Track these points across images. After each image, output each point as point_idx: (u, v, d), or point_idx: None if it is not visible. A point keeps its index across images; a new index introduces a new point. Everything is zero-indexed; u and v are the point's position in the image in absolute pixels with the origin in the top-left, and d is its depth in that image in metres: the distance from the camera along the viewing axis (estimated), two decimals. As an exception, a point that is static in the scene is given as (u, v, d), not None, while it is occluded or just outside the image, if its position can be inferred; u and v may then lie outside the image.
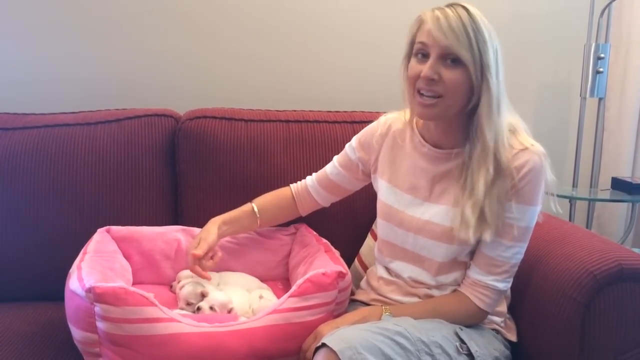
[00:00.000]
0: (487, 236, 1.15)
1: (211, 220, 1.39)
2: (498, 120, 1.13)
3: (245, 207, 1.43)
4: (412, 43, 1.18)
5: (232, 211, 1.42)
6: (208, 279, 1.31)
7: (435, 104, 1.14)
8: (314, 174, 1.47)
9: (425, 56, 1.14)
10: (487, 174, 1.13)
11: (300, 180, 1.49)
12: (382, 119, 1.37)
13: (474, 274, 1.20)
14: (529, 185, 1.14)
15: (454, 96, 1.13)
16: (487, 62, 1.11)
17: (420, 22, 1.17)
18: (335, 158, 1.44)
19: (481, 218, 1.14)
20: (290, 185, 1.48)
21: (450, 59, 1.11)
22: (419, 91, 1.15)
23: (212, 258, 1.35)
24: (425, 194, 1.25)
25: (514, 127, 1.18)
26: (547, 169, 1.16)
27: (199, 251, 1.30)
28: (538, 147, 1.16)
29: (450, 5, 1.13)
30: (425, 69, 1.13)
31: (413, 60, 1.17)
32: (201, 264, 1.31)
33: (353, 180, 1.42)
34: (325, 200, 1.46)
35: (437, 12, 1.12)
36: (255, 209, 1.42)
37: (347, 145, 1.42)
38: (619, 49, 2.08)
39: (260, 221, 1.44)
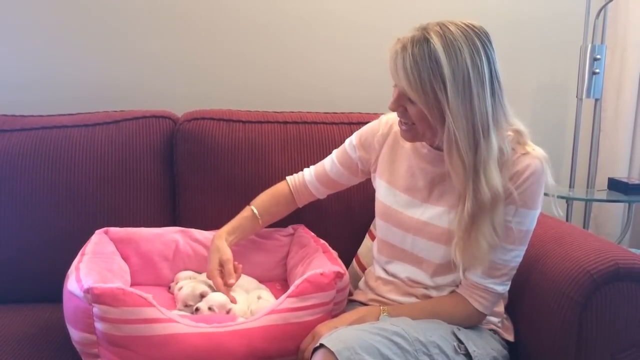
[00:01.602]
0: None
1: (216, 236, 1.37)
2: (467, 154, 1.09)
3: (246, 213, 1.43)
4: None
5: (233, 220, 1.42)
6: (235, 302, 1.31)
7: (408, 129, 1.17)
8: (311, 167, 1.47)
9: (395, 86, 1.15)
10: (463, 211, 1.12)
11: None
12: (384, 118, 1.37)
13: (473, 276, 1.20)
14: (530, 189, 1.14)
15: (422, 126, 1.14)
16: (443, 103, 1.07)
17: None
18: (335, 154, 1.44)
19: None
20: (287, 178, 1.48)
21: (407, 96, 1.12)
22: None
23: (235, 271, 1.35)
24: (423, 195, 1.25)
25: (519, 132, 1.17)
26: (548, 173, 1.16)
27: (234, 279, 1.31)
28: (539, 152, 1.16)
29: (420, 31, 1.09)
30: (390, 102, 1.15)
31: None
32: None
33: (352, 177, 1.43)
34: (322, 193, 1.47)
35: (397, 47, 1.09)
36: (256, 212, 1.42)
37: (346, 142, 1.42)
38: (615, 50, 2.09)
39: (262, 222, 1.44)
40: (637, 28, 2.05)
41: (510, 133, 1.16)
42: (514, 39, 2.02)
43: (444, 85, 1.06)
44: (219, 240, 1.36)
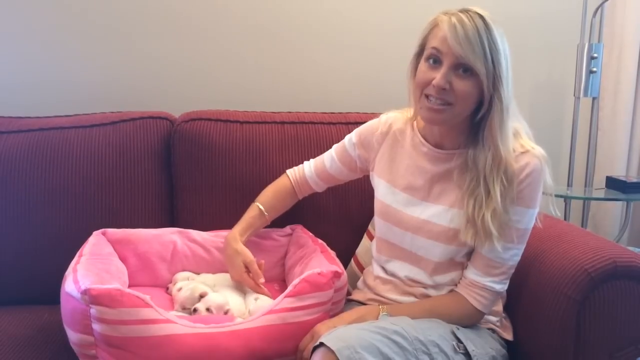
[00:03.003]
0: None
1: (231, 239, 1.38)
2: (508, 129, 1.14)
3: (253, 212, 1.43)
4: (423, 45, 1.17)
5: (242, 220, 1.42)
6: (269, 295, 1.35)
7: (443, 110, 1.14)
8: (311, 160, 1.48)
9: (436, 62, 1.13)
10: (502, 183, 1.14)
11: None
12: (384, 117, 1.37)
13: (472, 274, 1.20)
14: (528, 187, 1.15)
15: (463, 105, 1.14)
16: (500, 73, 1.11)
17: (434, 25, 1.15)
18: (334, 150, 1.44)
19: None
20: (287, 172, 1.49)
21: (463, 68, 1.11)
22: (427, 95, 1.15)
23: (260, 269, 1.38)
24: (423, 194, 1.25)
25: (516, 131, 1.18)
26: (546, 172, 1.16)
27: (263, 278, 1.35)
28: (539, 150, 1.17)
29: (465, 12, 1.12)
30: (438, 77, 1.12)
31: (424, 65, 1.16)
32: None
33: (350, 174, 1.44)
34: (321, 187, 1.49)
35: (454, 20, 1.10)
36: (263, 209, 1.43)
37: (346, 139, 1.42)
38: (612, 48, 2.09)
39: (268, 218, 1.45)
40: (634, 26, 2.05)
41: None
42: (511, 37, 1.97)
43: (499, 56, 1.11)
44: (236, 244, 1.37)
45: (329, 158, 1.44)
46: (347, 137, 1.42)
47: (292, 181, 1.47)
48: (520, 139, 1.18)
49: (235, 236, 1.38)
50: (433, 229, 1.21)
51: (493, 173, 1.14)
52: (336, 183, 1.48)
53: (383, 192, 1.32)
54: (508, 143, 1.14)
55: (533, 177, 1.15)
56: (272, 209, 1.45)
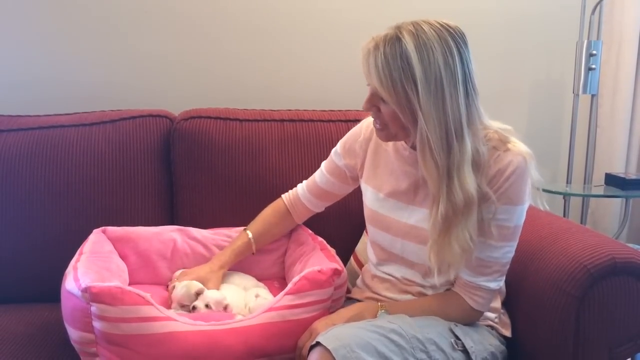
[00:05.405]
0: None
1: (220, 266, 1.40)
2: (440, 156, 1.07)
3: (241, 240, 1.44)
4: None
5: (235, 249, 1.43)
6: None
7: (381, 129, 1.16)
8: (304, 181, 1.47)
9: (369, 85, 1.14)
10: (437, 214, 1.10)
11: (294, 179, 1.51)
12: (365, 123, 1.35)
13: (465, 275, 1.19)
14: (513, 185, 1.12)
15: (394, 128, 1.13)
16: (414, 104, 1.05)
17: None
18: (323, 165, 1.43)
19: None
20: (282, 196, 1.48)
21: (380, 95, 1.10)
22: None
23: None
24: (408, 198, 1.23)
25: (500, 131, 1.14)
26: (531, 168, 1.13)
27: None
28: (521, 147, 1.13)
29: (390, 32, 1.07)
30: (364, 101, 1.14)
31: None
32: None
33: (343, 186, 1.42)
34: (317, 207, 1.46)
35: (370, 46, 1.08)
36: (251, 238, 1.44)
37: (332, 152, 1.41)
38: (611, 45, 2.09)
39: (255, 247, 1.45)
40: (633, 23, 2.05)
41: (490, 132, 1.14)
42: (510, 36, 2.01)
43: (415, 86, 1.04)
44: (221, 271, 1.40)
45: (319, 173, 1.43)
46: (334, 149, 1.41)
47: (286, 202, 1.47)
48: (508, 141, 1.14)
49: (224, 265, 1.40)
50: (421, 234, 1.19)
51: (433, 197, 1.13)
52: (331, 199, 1.46)
53: (370, 199, 1.30)
54: (433, 167, 1.08)
55: (517, 174, 1.12)
56: (261, 237, 1.45)
